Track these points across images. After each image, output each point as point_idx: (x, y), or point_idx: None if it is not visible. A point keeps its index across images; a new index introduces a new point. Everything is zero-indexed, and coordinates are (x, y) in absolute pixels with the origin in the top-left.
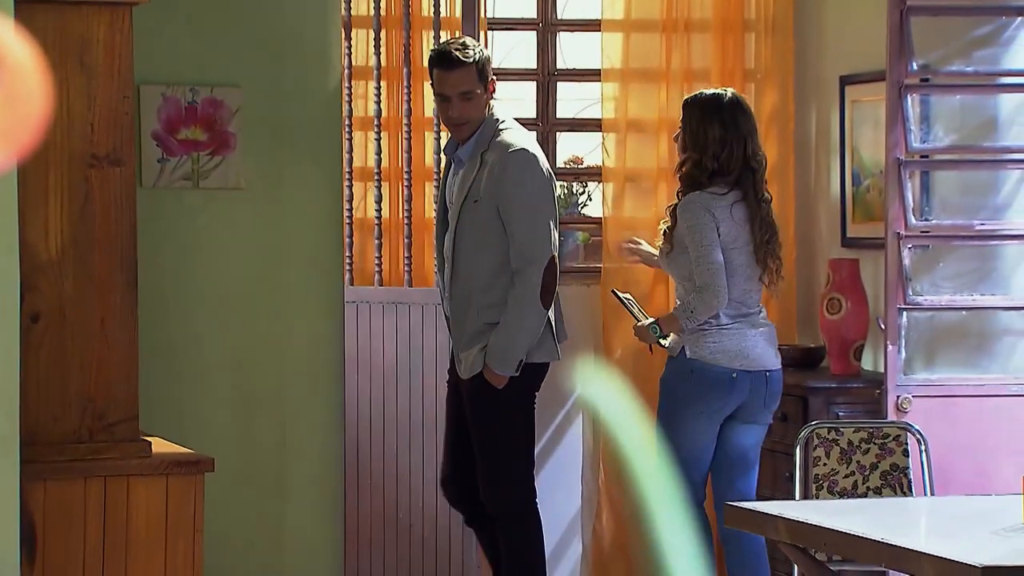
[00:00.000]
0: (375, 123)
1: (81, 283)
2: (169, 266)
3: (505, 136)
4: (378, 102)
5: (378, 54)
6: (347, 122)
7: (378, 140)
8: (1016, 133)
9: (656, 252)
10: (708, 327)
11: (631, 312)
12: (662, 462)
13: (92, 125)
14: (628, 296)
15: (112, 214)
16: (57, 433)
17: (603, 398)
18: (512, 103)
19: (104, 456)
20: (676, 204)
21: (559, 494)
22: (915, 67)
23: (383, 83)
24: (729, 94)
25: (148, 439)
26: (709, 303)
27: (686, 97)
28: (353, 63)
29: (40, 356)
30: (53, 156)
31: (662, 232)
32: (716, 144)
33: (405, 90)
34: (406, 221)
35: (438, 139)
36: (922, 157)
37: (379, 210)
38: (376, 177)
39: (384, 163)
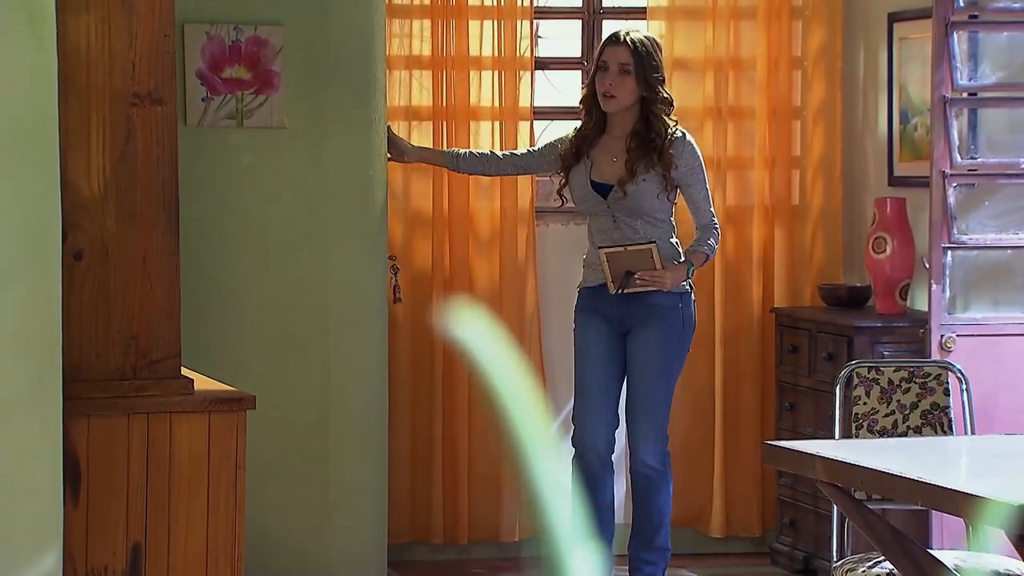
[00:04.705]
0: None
1: (123, 221)
2: (213, 204)
3: None
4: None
5: None
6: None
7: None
8: None
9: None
10: None
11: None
12: (539, 403)
13: (133, 64)
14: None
15: (154, 152)
16: (100, 370)
17: (475, 339)
18: (558, 42)
19: (147, 393)
20: (667, 142)
21: None
22: (962, 3)
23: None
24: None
25: (190, 376)
26: (719, 236)
27: (634, 36)
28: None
29: (83, 294)
30: (94, 95)
31: (655, 176)
32: (664, 82)
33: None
34: None
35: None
36: (969, 95)
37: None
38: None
39: (427, 103)
